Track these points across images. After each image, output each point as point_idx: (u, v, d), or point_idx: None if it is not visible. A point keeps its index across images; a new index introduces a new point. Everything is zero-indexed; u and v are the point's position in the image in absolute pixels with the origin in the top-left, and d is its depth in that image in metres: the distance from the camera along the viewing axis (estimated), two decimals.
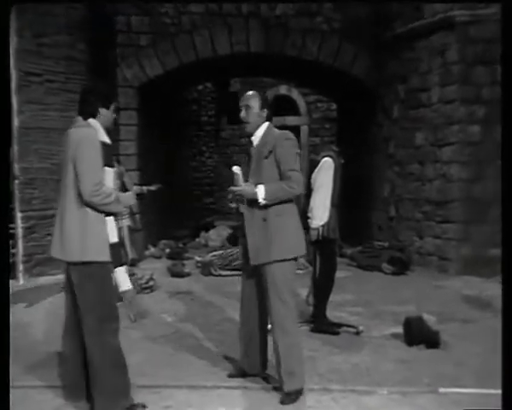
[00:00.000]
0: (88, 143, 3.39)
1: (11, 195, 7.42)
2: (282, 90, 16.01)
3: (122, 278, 3.55)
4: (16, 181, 7.59)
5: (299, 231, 3.99)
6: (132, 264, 8.36)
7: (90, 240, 3.39)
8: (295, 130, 4.30)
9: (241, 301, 4.17)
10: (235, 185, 3.86)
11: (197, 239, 11.83)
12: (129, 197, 3.71)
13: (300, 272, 7.01)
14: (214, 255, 8.61)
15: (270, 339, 4.14)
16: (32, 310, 6.16)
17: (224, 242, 11.19)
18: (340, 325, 5.57)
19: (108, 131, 3.60)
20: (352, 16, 9.96)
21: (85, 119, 3.53)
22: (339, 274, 5.95)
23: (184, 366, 4.53)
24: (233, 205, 4.06)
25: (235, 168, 3.91)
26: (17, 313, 5.86)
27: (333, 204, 5.43)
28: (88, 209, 3.39)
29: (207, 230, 12.12)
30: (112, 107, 3.61)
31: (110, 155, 3.57)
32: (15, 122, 7.55)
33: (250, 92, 4.02)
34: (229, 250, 8.85)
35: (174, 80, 10.93)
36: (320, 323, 5.51)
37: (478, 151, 8.13)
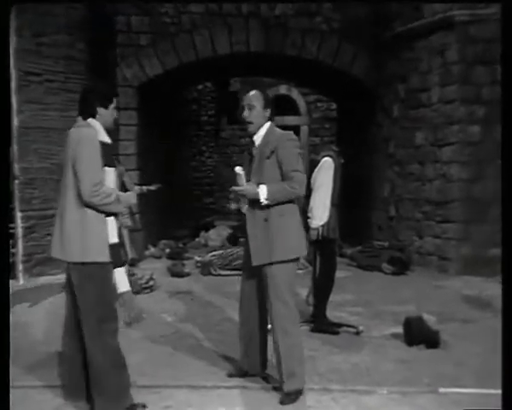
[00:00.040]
0: (87, 143, 3.38)
1: (11, 194, 7.42)
2: (282, 89, 16.02)
3: (121, 279, 3.54)
4: (16, 181, 7.58)
5: (300, 231, 3.98)
6: (132, 264, 8.35)
7: (90, 240, 3.38)
8: (295, 130, 4.31)
9: (241, 300, 4.17)
10: (238, 185, 3.85)
11: (197, 239, 11.82)
12: (130, 197, 3.69)
13: (300, 271, 7.00)
14: (214, 255, 8.61)
15: (269, 339, 4.14)
16: (32, 310, 6.16)
17: (223, 242, 11.19)
18: (339, 325, 5.57)
19: (109, 131, 3.60)
20: (352, 16, 9.96)
21: (85, 119, 3.53)
22: (339, 274, 5.95)
23: (184, 366, 4.53)
24: (233, 206, 4.06)
25: (238, 168, 3.88)
26: (18, 313, 5.86)
27: (333, 204, 5.43)
28: (88, 209, 3.39)
29: (207, 230, 12.11)
30: (111, 106, 3.60)
31: (110, 155, 3.56)
32: (15, 122, 7.54)
33: (253, 91, 3.98)
34: (228, 250, 8.85)
35: (174, 80, 10.93)
36: (320, 323, 5.51)
37: (478, 151, 8.13)
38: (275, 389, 4.01)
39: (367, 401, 3.92)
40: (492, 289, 6.74)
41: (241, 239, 9.55)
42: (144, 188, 3.91)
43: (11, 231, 7.23)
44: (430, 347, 4.98)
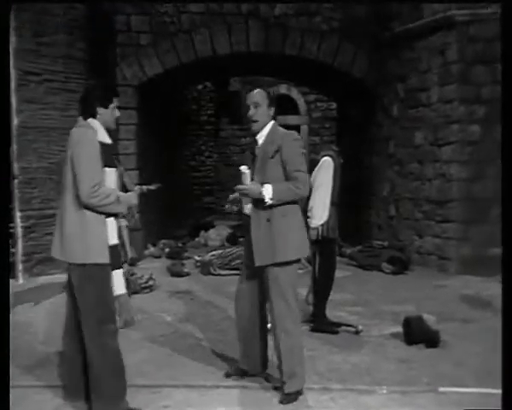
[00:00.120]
0: (86, 144, 3.36)
1: (10, 194, 7.41)
2: (282, 89, 16.02)
3: (118, 281, 3.53)
4: (15, 180, 7.58)
5: (302, 232, 3.97)
6: (132, 263, 8.36)
7: (90, 242, 3.37)
8: (295, 129, 4.31)
9: (238, 300, 4.12)
10: (242, 184, 3.82)
11: (197, 239, 11.82)
12: (130, 198, 3.65)
13: (300, 271, 6.99)
14: (214, 255, 8.60)
15: (269, 339, 4.14)
16: (32, 310, 6.15)
17: (223, 241, 11.20)
18: (339, 325, 5.57)
19: (109, 131, 3.58)
20: (352, 16, 9.95)
21: (85, 119, 3.51)
22: (338, 274, 5.95)
23: (184, 366, 4.53)
24: (230, 209, 4.05)
25: (243, 167, 3.86)
26: (17, 312, 5.85)
27: (332, 203, 5.43)
28: (87, 210, 3.37)
29: (207, 229, 12.11)
30: (111, 106, 3.56)
31: (110, 155, 3.53)
32: (15, 121, 7.54)
33: (258, 90, 3.96)
34: (228, 250, 8.84)
35: (174, 79, 10.93)
36: (319, 322, 5.51)
37: (477, 151, 8.13)
38: (274, 388, 4.00)
39: (366, 400, 3.92)
40: (492, 288, 6.74)
41: (241, 239, 9.56)
42: (144, 187, 3.89)
43: (11, 230, 7.22)
44: (430, 346, 4.98)
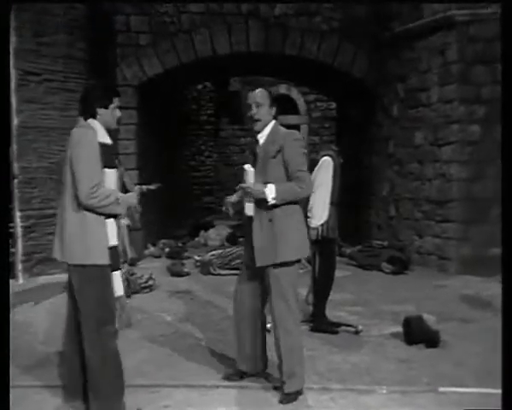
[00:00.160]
0: (85, 144, 3.34)
1: (10, 194, 7.41)
2: (282, 89, 16.02)
3: (117, 282, 3.52)
4: (15, 180, 7.57)
5: (303, 232, 3.97)
6: (132, 263, 8.35)
7: (90, 243, 3.35)
8: (295, 129, 4.30)
9: (237, 300, 4.10)
10: (245, 183, 3.80)
11: (196, 238, 11.82)
12: (130, 198, 3.61)
13: (300, 271, 7.00)
14: (213, 255, 8.60)
15: (268, 339, 4.14)
16: (32, 310, 6.14)
17: (223, 241, 11.20)
18: (339, 325, 5.57)
19: (110, 131, 3.55)
20: (352, 16, 9.95)
21: (86, 119, 3.48)
22: (338, 273, 5.95)
23: (183, 366, 4.53)
24: (229, 211, 4.04)
25: (247, 166, 3.83)
26: (17, 312, 5.85)
27: (332, 203, 5.43)
28: (87, 211, 3.36)
29: (207, 229, 12.11)
30: (112, 106, 3.53)
31: (110, 156, 3.50)
32: (14, 121, 7.54)
33: (260, 89, 3.95)
34: (228, 249, 8.84)
35: (174, 79, 10.93)
36: (319, 322, 5.51)
37: (477, 150, 8.13)
38: (274, 388, 4.00)
39: (366, 400, 3.92)
40: (492, 288, 6.74)
41: (241, 239, 9.56)
42: (144, 187, 3.88)
43: (10, 230, 7.22)
44: (430, 346, 4.98)
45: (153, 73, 9.82)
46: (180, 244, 10.79)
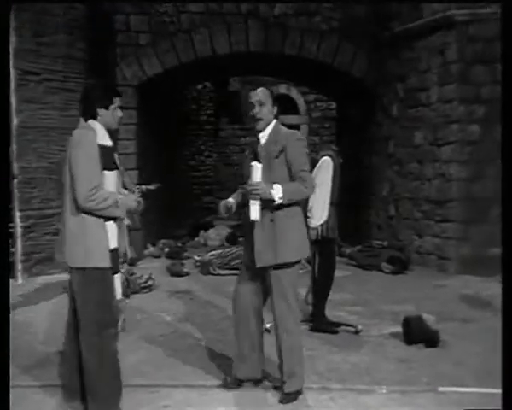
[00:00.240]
0: (83, 146, 3.31)
1: (10, 194, 7.41)
2: (282, 89, 16.01)
3: (116, 286, 3.51)
4: (15, 180, 7.58)
5: (304, 232, 3.96)
6: (131, 263, 8.34)
7: (90, 245, 3.33)
8: (295, 129, 4.29)
9: (237, 301, 4.04)
10: (252, 180, 3.71)
11: (196, 238, 11.82)
12: (129, 201, 3.55)
13: (300, 271, 7.00)
14: (213, 255, 8.60)
15: (268, 338, 4.14)
16: (32, 310, 6.15)
17: (223, 241, 11.19)
18: (338, 324, 5.57)
19: (111, 132, 3.52)
20: (351, 16, 9.95)
21: (86, 120, 3.45)
22: (338, 273, 5.95)
23: (183, 366, 4.52)
24: (225, 215, 4.02)
25: (255, 163, 3.74)
26: (18, 313, 5.85)
27: (332, 203, 5.43)
28: (85, 214, 3.33)
29: (206, 229, 12.11)
30: (112, 107, 3.49)
31: (110, 158, 3.46)
32: (14, 121, 7.54)
33: (261, 88, 3.93)
34: (228, 249, 8.84)
35: (173, 79, 10.93)
36: (319, 322, 5.51)
37: (477, 150, 8.13)
38: (274, 388, 4.00)
39: (366, 400, 3.92)
40: (492, 288, 6.74)
41: (241, 239, 9.56)
42: (144, 187, 3.88)
43: (10, 230, 7.22)
44: (429, 346, 4.97)
45: (152, 73, 9.81)
46: (180, 244, 10.79)
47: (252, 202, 3.71)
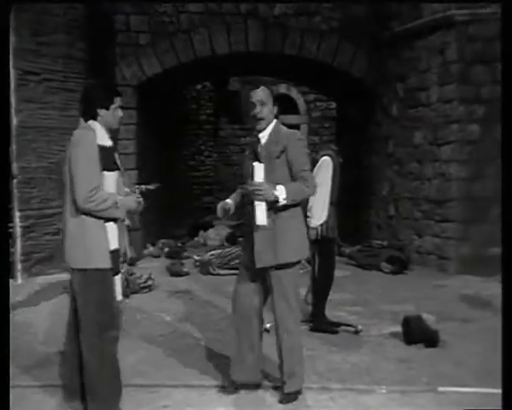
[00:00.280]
0: (83, 147, 3.29)
1: (10, 194, 7.40)
2: (282, 88, 16.00)
3: (117, 287, 3.50)
4: (15, 180, 7.57)
5: (304, 233, 3.96)
6: (131, 263, 8.34)
7: (90, 246, 3.31)
8: (295, 128, 4.29)
9: (236, 300, 4.01)
10: (254, 180, 3.68)
11: (196, 238, 11.81)
12: (129, 202, 3.53)
13: (300, 271, 7.00)
14: (213, 254, 8.60)
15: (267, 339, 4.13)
16: (32, 310, 6.14)
17: (222, 241, 11.19)
18: (338, 324, 5.57)
19: (111, 132, 3.50)
20: (351, 15, 9.95)
21: (86, 120, 3.43)
22: (338, 273, 5.95)
23: (183, 366, 4.52)
24: (223, 217, 4.02)
25: (257, 163, 3.71)
26: (18, 313, 5.85)
27: (332, 203, 5.43)
28: (85, 215, 3.31)
29: (206, 229, 12.11)
30: (113, 106, 3.47)
31: (110, 159, 3.44)
32: (14, 121, 7.53)
33: (262, 88, 3.90)
34: (227, 249, 8.83)
35: (173, 79, 10.92)
36: (319, 322, 5.51)
37: (477, 150, 8.13)
38: (274, 388, 4.00)
39: (366, 400, 3.92)
40: (492, 288, 6.74)
41: (240, 238, 9.55)
42: (143, 187, 3.87)
43: (9, 230, 7.21)
44: (429, 346, 4.97)
45: (152, 73, 9.81)
46: (179, 244, 10.78)
47: (257, 204, 3.66)
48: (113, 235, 3.41)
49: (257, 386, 4.04)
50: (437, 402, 3.87)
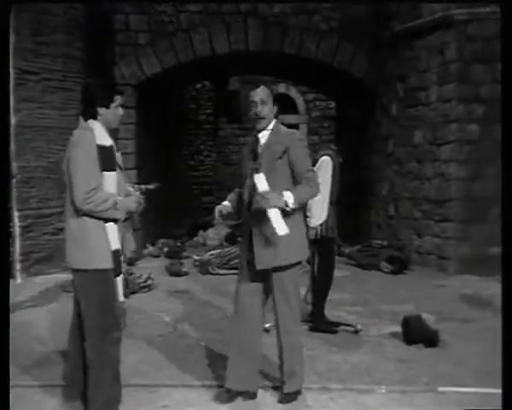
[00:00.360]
0: (82, 147, 3.26)
1: (9, 193, 7.39)
2: (281, 88, 16.00)
3: (118, 288, 3.48)
4: (13, 180, 7.56)
5: (303, 233, 3.95)
6: (130, 263, 8.34)
7: (91, 247, 3.29)
8: (294, 128, 4.29)
9: (237, 301, 3.96)
10: (257, 189, 3.63)
11: (195, 238, 11.81)
12: (129, 202, 3.47)
13: (300, 271, 6.99)
14: (212, 254, 8.60)
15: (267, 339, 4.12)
16: (32, 311, 6.13)
17: (222, 241, 11.18)
18: (338, 324, 5.56)
19: (111, 131, 3.47)
20: (351, 15, 9.94)
21: (86, 120, 3.40)
22: (337, 273, 5.94)
23: (182, 366, 4.51)
24: (220, 220, 4.00)
25: (257, 175, 3.65)
26: (18, 313, 5.84)
27: (331, 203, 5.42)
28: (85, 216, 3.29)
29: (205, 229, 12.09)
30: (113, 105, 3.43)
31: (110, 159, 3.39)
32: (12, 120, 7.52)
33: (262, 87, 3.88)
34: (227, 249, 8.83)
35: (172, 79, 10.91)
36: (318, 322, 5.50)
37: (476, 150, 8.13)
38: (274, 388, 3.99)
39: (366, 400, 3.91)
40: (492, 288, 6.74)
41: (240, 238, 9.54)
42: (143, 187, 3.85)
43: (9, 230, 7.21)
44: (429, 346, 4.97)
45: (151, 73, 9.81)
46: (179, 244, 10.78)
47: (270, 215, 3.56)
48: (113, 235, 3.38)
49: (252, 396, 3.90)
50: (437, 402, 3.86)
